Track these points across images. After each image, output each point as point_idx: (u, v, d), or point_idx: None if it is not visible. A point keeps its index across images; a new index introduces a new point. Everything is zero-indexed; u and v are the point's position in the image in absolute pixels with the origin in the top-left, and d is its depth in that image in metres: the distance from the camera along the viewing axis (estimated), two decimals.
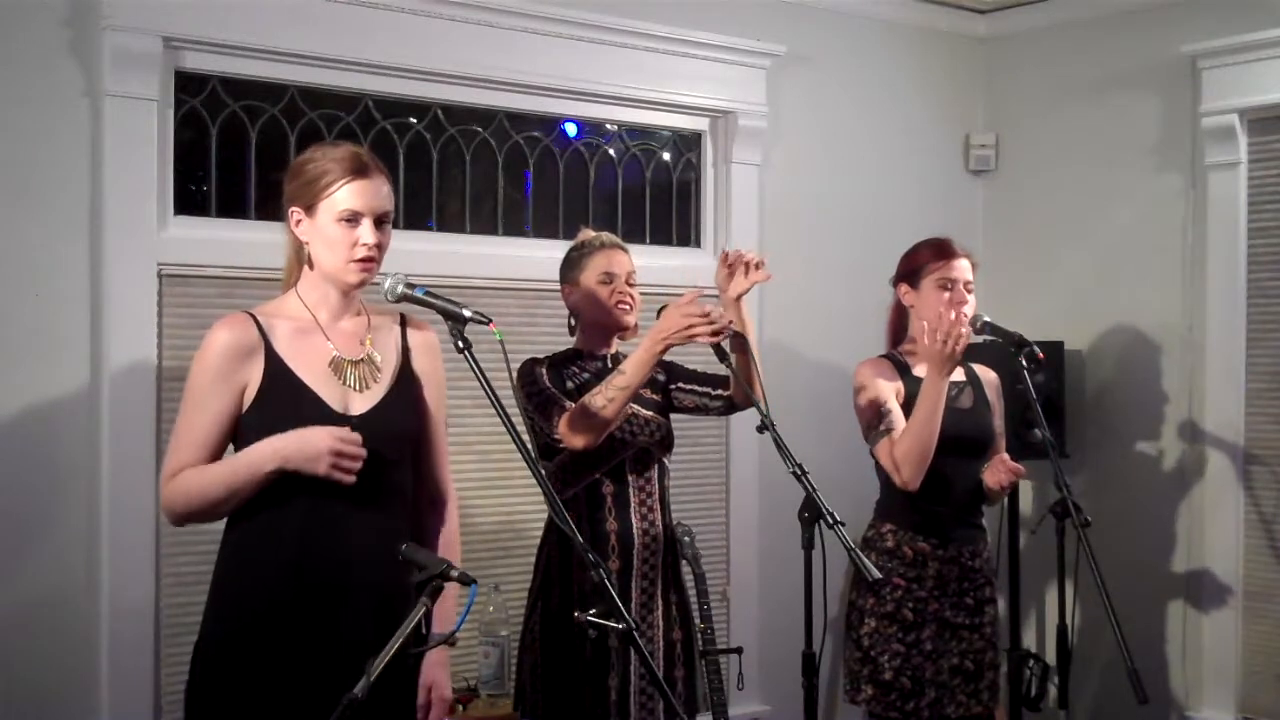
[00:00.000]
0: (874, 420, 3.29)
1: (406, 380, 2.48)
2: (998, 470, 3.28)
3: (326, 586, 2.34)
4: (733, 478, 4.40)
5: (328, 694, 2.06)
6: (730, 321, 2.85)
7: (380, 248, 2.39)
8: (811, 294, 4.53)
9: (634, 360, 2.85)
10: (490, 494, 3.92)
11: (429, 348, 2.54)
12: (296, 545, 2.33)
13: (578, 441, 2.90)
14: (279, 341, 2.36)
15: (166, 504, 2.36)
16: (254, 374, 2.34)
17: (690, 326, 2.77)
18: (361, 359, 2.43)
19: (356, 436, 2.28)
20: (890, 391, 3.30)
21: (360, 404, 2.39)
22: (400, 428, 2.45)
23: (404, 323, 2.54)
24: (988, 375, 3.50)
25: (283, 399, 2.32)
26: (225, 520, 2.39)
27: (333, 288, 2.41)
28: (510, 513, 3.94)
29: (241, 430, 2.35)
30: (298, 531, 2.33)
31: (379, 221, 2.38)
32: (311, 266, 2.41)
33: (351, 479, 2.27)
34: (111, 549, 3.29)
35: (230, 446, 2.39)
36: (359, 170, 2.35)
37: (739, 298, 2.95)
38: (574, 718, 2.98)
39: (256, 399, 2.34)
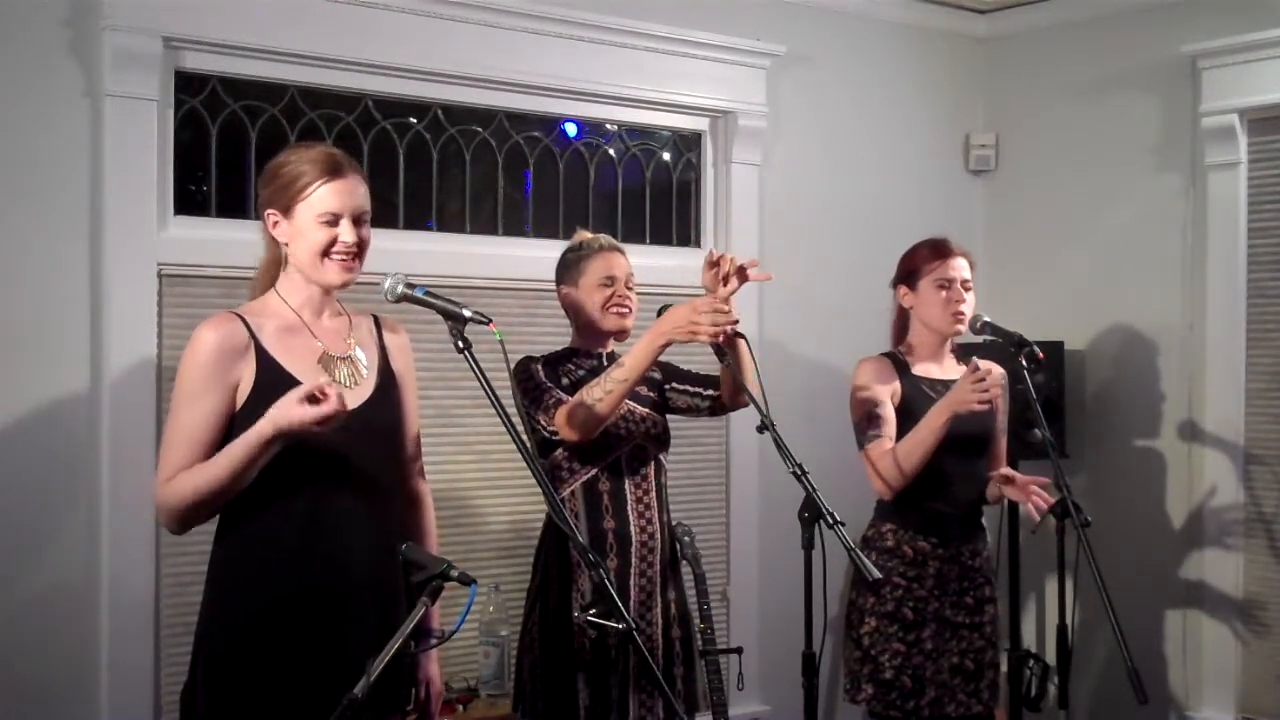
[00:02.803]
0: (863, 423, 3.30)
1: (389, 379, 2.50)
2: (1031, 496, 3.25)
3: (328, 585, 2.34)
4: (733, 478, 4.40)
5: (331, 693, 2.06)
6: (735, 321, 2.84)
7: (361, 245, 2.40)
8: (811, 294, 4.53)
9: (633, 355, 2.85)
10: (490, 494, 3.92)
11: (404, 349, 2.57)
12: (296, 545, 2.33)
13: (573, 435, 2.90)
14: (267, 339, 2.36)
15: (165, 507, 2.31)
16: (246, 372, 2.33)
17: (695, 323, 2.77)
18: (348, 356, 2.44)
19: (315, 384, 2.21)
20: (886, 394, 3.30)
21: (351, 399, 2.38)
22: (390, 424, 2.48)
23: (378, 324, 2.55)
24: (993, 370, 3.47)
25: (277, 395, 2.31)
26: (218, 522, 2.38)
27: (315, 287, 2.42)
28: (510, 513, 3.94)
29: (235, 427, 2.33)
30: (297, 531, 2.33)
31: (357, 220, 2.39)
32: (286, 267, 2.41)
33: (332, 408, 2.18)
34: (111, 549, 3.29)
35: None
36: (334, 171, 2.36)
37: (728, 298, 2.93)
38: (573, 718, 2.98)
39: (250, 397, 2.33)
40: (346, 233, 2.36)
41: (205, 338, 2.32)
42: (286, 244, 2.39)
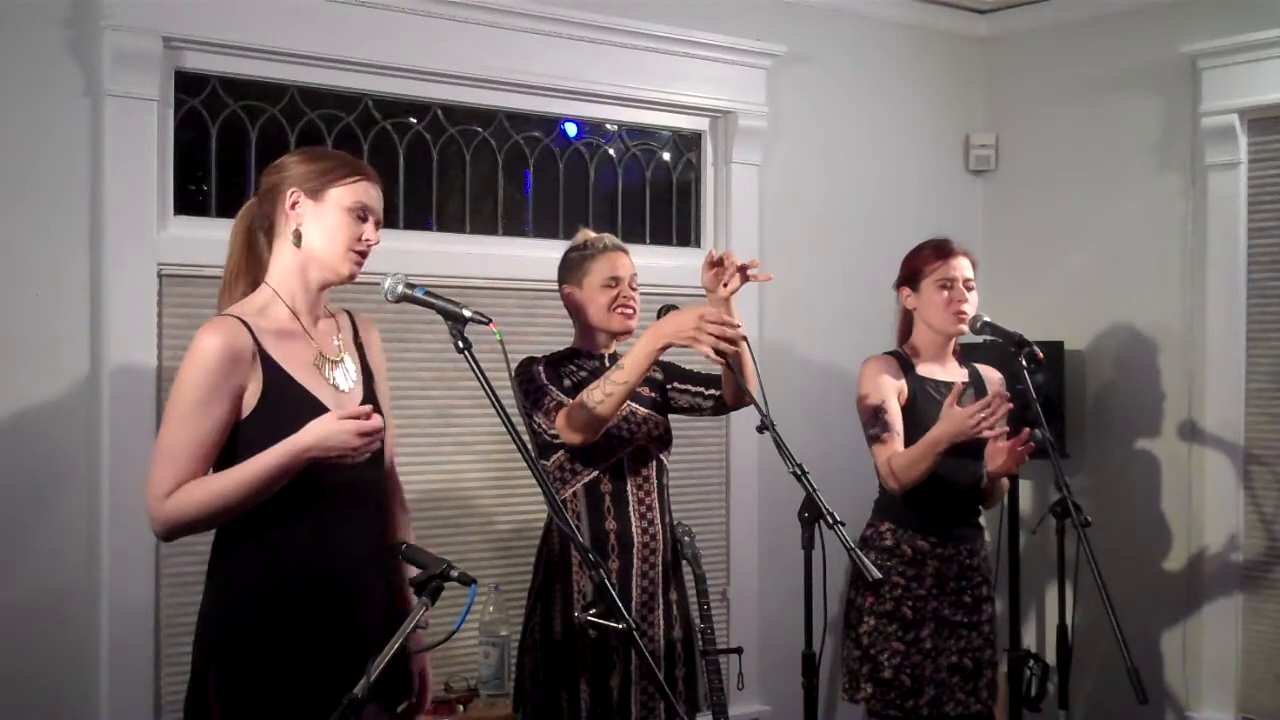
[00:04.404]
0: (871, 421, 3.30)
1: (369, 377, 2.50)
2: (1003, 457, 3.26)
3: (334, 588, 2.34)
4: (733, 478, 4.40)
5: (343, 693, 2.04)
6: (743, 338, 2.82)
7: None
8: (811, 294, 4.53)
9: (633, 357, 2.84)
10: (490, 494, 3.92)
11: (377, 344, 2.58)
12: (309, 549, 2.32)
13: (574, 437, 2.90)
14: (270, 345, 2.34)
15: (163, 520, 2.25)
16: (252, 379, 2.30)
17: (699, 330, 2.75)
18: (339, 359, 2.44)
19: (360, 409, 2.29)
20: (892, 391, 3.31)
21: (346, 403, 2.39)
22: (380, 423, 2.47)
23: (353, 320, 2.55)
24: (992, 375, 3.50)
25: (285, 403, 2.30)
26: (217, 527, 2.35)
27: (312, 280, 2.40)
28: (511, 513, 3.94)
29: (241, 436, 2.29)
30: (308, 536, 2.31)
31: (378, 223, 2.43)
32: (297, 245, 2.38)
33: (375, 426, 2.27)
34: (111, 549, 3.29)
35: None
36: (368, 173, 2.43)
37: (728, 297, 2.92)
38: (574, 718, 2.98)
39: (260, 405, 2.29)
40: (371, 230, 2.41)
41: (210, 344, 2.26)
42: (299, 225, 2.37)
